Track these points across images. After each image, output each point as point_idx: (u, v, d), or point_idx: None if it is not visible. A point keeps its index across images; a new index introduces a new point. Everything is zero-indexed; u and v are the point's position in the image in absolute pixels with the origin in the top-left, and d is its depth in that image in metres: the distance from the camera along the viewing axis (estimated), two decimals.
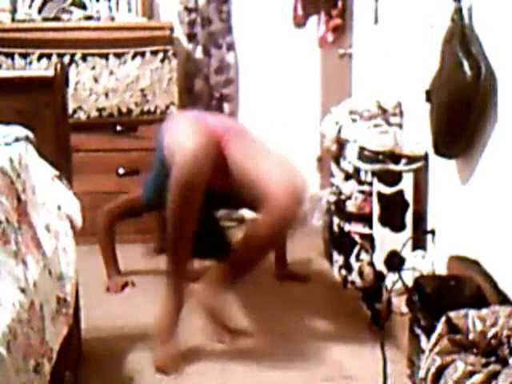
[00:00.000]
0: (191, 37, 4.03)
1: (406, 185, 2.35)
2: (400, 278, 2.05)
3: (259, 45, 4.12)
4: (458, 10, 1.85)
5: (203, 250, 2.71)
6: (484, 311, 1.40)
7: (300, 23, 3.63)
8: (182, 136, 2.35)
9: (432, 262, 2.18)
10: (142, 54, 3.73)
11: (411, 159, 2.31)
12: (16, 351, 1.24)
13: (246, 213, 3.35)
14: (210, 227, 3.02)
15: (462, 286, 1.75)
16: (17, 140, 1.76)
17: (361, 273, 2.67)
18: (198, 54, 4.04)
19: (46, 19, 3.80)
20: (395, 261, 2.25)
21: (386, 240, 2.42)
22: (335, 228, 3.09)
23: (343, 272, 3.02)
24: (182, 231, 2.28)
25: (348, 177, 2.86)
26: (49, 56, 3.62)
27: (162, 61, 3.76)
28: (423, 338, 1.76)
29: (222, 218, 3.33)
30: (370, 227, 2.59)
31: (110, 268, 3.11)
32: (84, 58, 3.68)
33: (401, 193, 2.37)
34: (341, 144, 2.83)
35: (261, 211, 2.26)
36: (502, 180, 1.72)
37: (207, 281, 2.30)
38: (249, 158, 2.40)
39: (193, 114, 2.75)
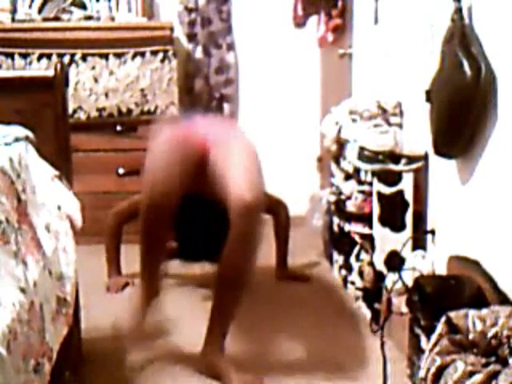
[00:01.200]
0: (191, 37, 4.03)
1: (406, 185, 2.35)
2: (400, 278, 2.05)
3: (259, 45, 4.12)
4: (458, 10, 1.85)
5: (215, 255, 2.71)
6: (484, 311, 1.40)
7: (300, 23, 3.62)
8: (155, 162, 2.37)
9: (432, 261, 2.18)
10: (142, 54, 3.73)
11: (411, 159, 2.31)
12: (16, 351, 1.24)
13: None
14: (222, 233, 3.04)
15: (462, 286, 1.75)
16: (17, 140, 1.76)
17: (361, 273, 2.67)
18: (198, 54, 4.04)
19: (45, 19, 3.80)
20: (395, 261, 2.25)
21: (386, 240, 2.42)
22: (335, 228, 3.09)
23: (343, 272, 3.02)
24: (147, 248, 2.45)
25: (348, 177, 2.86)
26: (49, 56, 3.62)
27: (162, 61, 3.76)
28: (423, 338, 1.76)
29: None
30: (370, 227, 2.59)
31: (112, 268, 3.12)
32: (84, 58, 3.68)
33: (401, 193, 2.36)
34: (341, 144, 2.83)
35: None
36: (502, 180, 1.72)
37: (208, 346, 2.23)
38: (221, 164, 2.37)
39: (178, 127, 2.63)
